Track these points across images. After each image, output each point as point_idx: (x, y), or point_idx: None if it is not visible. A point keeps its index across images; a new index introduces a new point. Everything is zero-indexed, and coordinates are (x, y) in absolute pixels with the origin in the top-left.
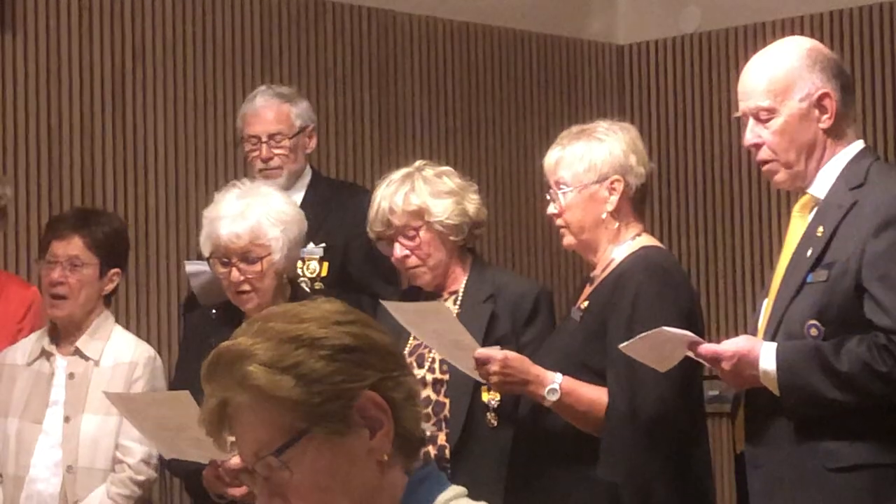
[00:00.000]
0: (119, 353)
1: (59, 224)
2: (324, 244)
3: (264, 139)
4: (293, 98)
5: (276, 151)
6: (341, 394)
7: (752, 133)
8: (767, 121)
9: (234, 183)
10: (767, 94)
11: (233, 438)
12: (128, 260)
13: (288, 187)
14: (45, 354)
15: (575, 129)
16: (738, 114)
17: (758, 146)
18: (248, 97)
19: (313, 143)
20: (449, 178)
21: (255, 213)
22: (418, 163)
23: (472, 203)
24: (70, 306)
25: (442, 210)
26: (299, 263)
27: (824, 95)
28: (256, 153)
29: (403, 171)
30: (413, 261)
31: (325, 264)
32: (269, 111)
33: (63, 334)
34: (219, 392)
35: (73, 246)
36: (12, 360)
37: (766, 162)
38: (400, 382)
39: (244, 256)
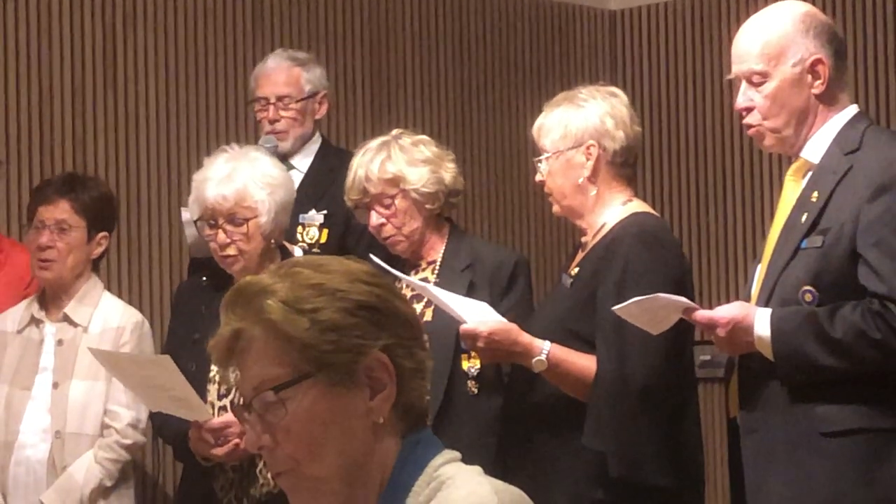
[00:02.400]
0: (107, 318)
1: (45, 189)
2: (325, 211)
3: (272, 101)
4: (306, 62)
5: (283, 114)
6: (352, 348)
7: (744, 96)
8: (760, 84)
9: (224, 147)
10: (761, 58)
11: (236, 373)
12: (115, 224)
13: (295, 152)
14: (35, 321)
15: (561, 95)
16: (731, 76)
17: (749, 109)
18: (263, 59)
19: (324, 109)
20: (425, 147)
21: (242, 176)
22: (395, 131)
23: (449, 171)
24: (58, 269)
25: (418, 178)
26: (299, 229)
27: (817, 61)
28: (264, 114)
29: (380, 139)
30: (389, 229)
31: (325, 231)
32: (279, 73)
33: (52, 300)
34: (234, 322)
35: (60, 210)
36: (2, 328)
37: (751, 126)
38: (412, 353)
39: (230, 218)
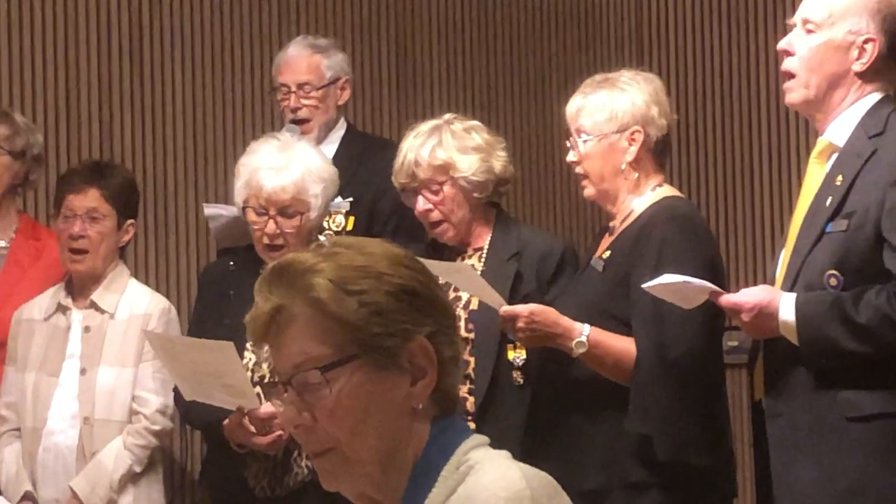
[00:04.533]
0: (134, 305)
1: (73, 177)
2: (351, 198)
3: (293, 88)
4: (327, 49)
5: (305, 102)
6: (399, 333)
7: (789, 41)
8: (809, 34)
9: (273, 134)
10: (822, 10)
11: (268, 348)
12: (138, 211)
13: (320, 139)
14: (62, 308)
15: (598, 77)
16: (792, 20)
17: (789, 53)
18: (284, 46)
19: (346, 95)
20: (477, 134)
21: (299, 168)
22: (447, 116)
23: (499, 160)
24: (91, 260)
25: (468, 166)
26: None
27: (870, 40)
28: (286, 102)
29: (432, 122)
30: (436, 215)
31: (352, 219)
32: (300, 60)
33: (79, 288)
34: (276, 298)
35: (90, 198)
36: (29, 316)
37: (788, 74)
38: (452, 341)
39: (284, 210)
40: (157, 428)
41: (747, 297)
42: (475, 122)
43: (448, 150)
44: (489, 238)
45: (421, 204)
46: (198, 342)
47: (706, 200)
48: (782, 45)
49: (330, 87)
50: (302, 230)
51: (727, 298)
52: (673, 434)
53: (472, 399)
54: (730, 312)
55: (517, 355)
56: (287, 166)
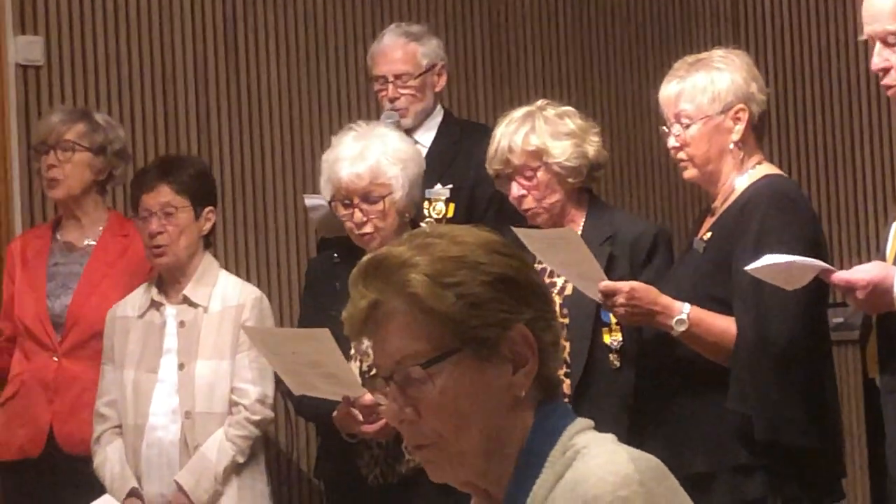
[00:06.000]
0: (226, 296)
1: (143, 177)
2: (451, 185)
3: (390, 79)
4: (421, 36)
5: (402, 91)
6: (497, 322)
7: (880, 57)
8: (895, 45)
9: (351, 126)
10: (895, 17)
11: (367, 343)
12: (217, 197)
13: (417, 126)
14: (155, 305)
15: (690, 59)
16: (864, 37)
17: (886, 70)
18: (378, 36)
19: (443, 81)
20: (570, 119)
21: (374, 153)
22: (540, 102)
23: (593, 145)
24: (172, 252)
25: (561, 151)
26: (426, 204)
27: None
28: (384, 93)
29: (524, 109)
30: (529, 201)
31: (452, 205)
32: (395, 50)
33: (170, 283)
34: (373, 293)
35: (162, 194)
36: (123, 313)
37: (890, 87)
38: (551, 325)
39: (366, 196)
40: (257, 418)
41: (861, 273)
42: (568, 108)
43: (541, 135)
44: (582, 223)
45: (515, 190)
46: (293, 332)
47: (807, 181)
48: (878, 65)
49: (426, 75)
50: (389, 213)
51: (840, 275)
52: (771, 414)
53: (567, 382)
54: (842, 290)
55: (613, 338)
56: (362, 154)
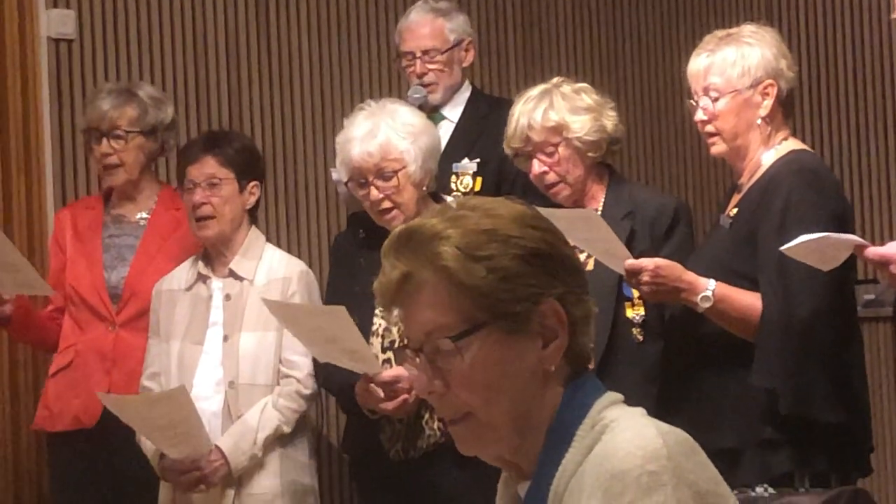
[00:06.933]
0: (272, 270)
1: (190, 149)
2: (478, 159)
3: (418, 55)
4: (448, 12)
5: (430, 67)
6: (528, 297)
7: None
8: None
9: (362, 105)
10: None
11: (397, 313)
12: (264, 172)
13: (445, 102)
14: (202, 278)
15: (720, 33)
16: None
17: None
18: (405, 12)
19: (470, 56)
20: (587, 95)
21: (384, 130)
22: (556, 79)
23: (610, 119)
24: (216, 224)
25: (580, 126)
26: (453, 178)
27: None
28: (412, 69)
29: (541, 87)
30: (552, 177)
31: (479, 179)
32: (422, 26)
33: (216, 257)
34: (404, 265)
35: (207, 165)
36: (169, 287)
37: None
38: (582, 300)
39: (379, 173)
40: (308, 392)
41: (895, 248)
42: (584, 84)
43: (560, 111)
44: (602, 199)
45: (536, 167)
46: (311, 308)
47: (837, 154)
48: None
49: (454, 50)
50: (405, 187)
51: (874, 251)
52: (796, 388)
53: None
54: (876, 265)
55: (636, 313)
56: (371, 132)
